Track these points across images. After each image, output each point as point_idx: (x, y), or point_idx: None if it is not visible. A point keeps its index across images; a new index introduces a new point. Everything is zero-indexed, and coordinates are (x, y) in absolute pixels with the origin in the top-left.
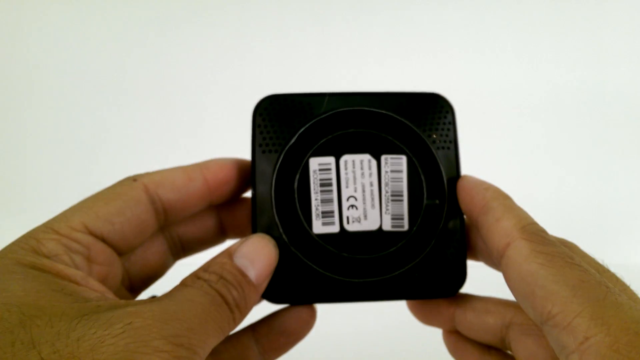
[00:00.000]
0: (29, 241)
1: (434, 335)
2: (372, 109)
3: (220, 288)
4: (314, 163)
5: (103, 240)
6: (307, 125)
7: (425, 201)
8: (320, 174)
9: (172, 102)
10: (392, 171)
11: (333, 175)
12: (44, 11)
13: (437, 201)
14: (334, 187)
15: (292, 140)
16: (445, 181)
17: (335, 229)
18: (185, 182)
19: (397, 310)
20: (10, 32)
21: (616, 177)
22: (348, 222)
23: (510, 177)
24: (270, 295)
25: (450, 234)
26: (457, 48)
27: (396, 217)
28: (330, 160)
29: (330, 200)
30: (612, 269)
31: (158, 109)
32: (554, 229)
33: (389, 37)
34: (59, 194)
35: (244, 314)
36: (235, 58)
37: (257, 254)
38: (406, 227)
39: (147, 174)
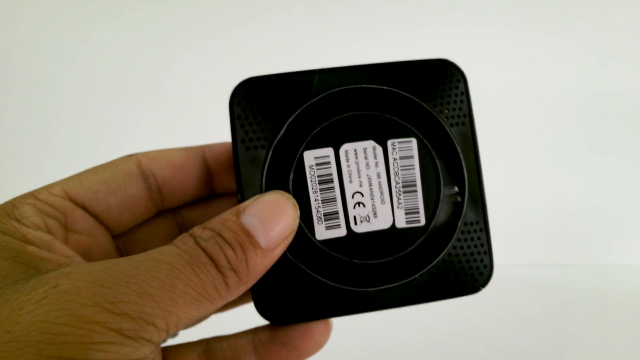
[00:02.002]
0: (6, 205)
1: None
2: (371, 86)
3: (209, 247)
4: (309, 157)
5: (85, 208)
6: (296, 113)
7: (442, 190)
8: (317, 169)
9: (166, 97)
10: (401, 158)
11: (333, 170)
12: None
13: (456, 188)
14: (336, 184)
15: (281, 133)
16: (463, 164)
17: (341, 232)
18: (182, 159)
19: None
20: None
21: (616, 178)
22: (356, 223)
23: (510, 177)
24: (271, 314)
25: (473, 224)
26: (457, 48)
27: (410, 211)
28: (328, 151)
29: (333, 199)
30: (612, 269)
31: (145, 101)
32: (554, 229)
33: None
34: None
35: (244, 279)
36: (216, 37)
37: (270, 214)
38: (423, 222)
39: (147, 152)
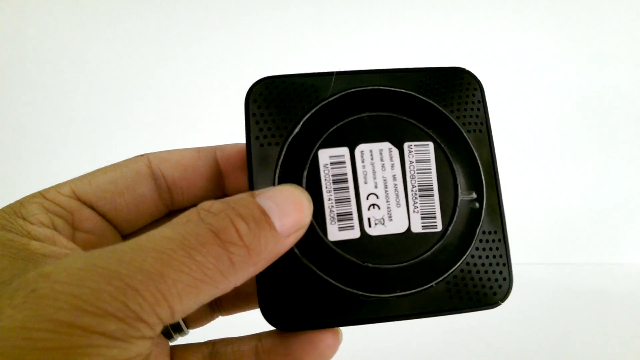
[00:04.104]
0: (14, 205)
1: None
2: (388, 88)
3: (218, 221)
4: (324, 156)
5: (92, 208)
6: (312, 111)
7: (460, 195)
8: (332, 168)
9: (173, 96)
10: (417, 161)
11: (348, 170)
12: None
13: (474, 194)
14: (350, 184)
15: (296, 130)
16: (481, 170)
17: (355, 234)
18: (193, 160)
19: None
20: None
21: (616, 178)
22: (370, 225)
23: (510, 177)
24: (276, 319)
25: (491, 233)
26: (458, 48)
27: (427, 216)
28: (344, 151)
29: (347, 200)
30: (612, 269)
31: (154, 101)
32: (554, 228)
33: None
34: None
35: (254, 258)
36: (231, 37)
37: (285, 201)
38: (439, 228)
39: (157, 152)
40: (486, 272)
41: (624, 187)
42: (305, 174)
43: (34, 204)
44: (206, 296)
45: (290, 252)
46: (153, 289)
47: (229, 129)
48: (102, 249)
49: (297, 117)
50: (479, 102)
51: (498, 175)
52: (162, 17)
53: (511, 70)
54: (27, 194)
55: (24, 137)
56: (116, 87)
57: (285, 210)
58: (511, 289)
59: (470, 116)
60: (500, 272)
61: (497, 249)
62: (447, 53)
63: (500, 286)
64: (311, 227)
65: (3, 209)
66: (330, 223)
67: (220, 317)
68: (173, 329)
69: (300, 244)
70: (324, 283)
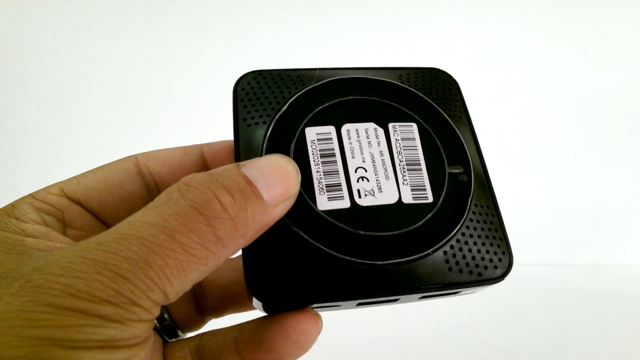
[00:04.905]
0: (6, 207)
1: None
2: (371, 77)
3: (198, 195)
4: (311, 133)
5: (81, 205)
6: (299, 93)
7: (447, 169)
8: (319, 144)
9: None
10: (402, 139)
11: (335, 145)
12: None
13: (462, 168)
14: (338, 158)
15: (283, 109)
16: (466, 147)
17: (345, 204)
18: (179, 157)
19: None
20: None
21: (616, 177)
22: (360, 196)
23: (510, 177)
24: (263, 292)
25: (484, 207)
26: (454, 47)
27: (417, 188)
28: (330, 129)
29: (335, 172)
30: (612, 269)
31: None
32: (554, 228)
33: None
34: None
35: (241, 230)
36: (217, 36)
37: (272, 170)
38: (430, 199)
39: (146, 152)
40: (483, 244)
41: (624, 187)
42: (292, 147)
43: (25, 204)
44: (198, 274)
45: (279, 224)
46: (142, 276)
47: (219, 131)
48: (88, 241)
49: (284, 100)
50: (456, 95)
51: (482, 155)
52: (156, 19)
53: (511, 70)
54: (18, 196)
55: (14, 140)
56: (108, 89)
57: (272, 179)
58: (512, 264)
59: (449, 104)
60: (499, 246)
61: (491, 222)
62: (447, 53)
63: (500, 260)
64: (300, 197)
65: None
66: (320, 193)
67: (213, 320)
68: (168, 335)
69: (289, 213)
70: (314, 251)
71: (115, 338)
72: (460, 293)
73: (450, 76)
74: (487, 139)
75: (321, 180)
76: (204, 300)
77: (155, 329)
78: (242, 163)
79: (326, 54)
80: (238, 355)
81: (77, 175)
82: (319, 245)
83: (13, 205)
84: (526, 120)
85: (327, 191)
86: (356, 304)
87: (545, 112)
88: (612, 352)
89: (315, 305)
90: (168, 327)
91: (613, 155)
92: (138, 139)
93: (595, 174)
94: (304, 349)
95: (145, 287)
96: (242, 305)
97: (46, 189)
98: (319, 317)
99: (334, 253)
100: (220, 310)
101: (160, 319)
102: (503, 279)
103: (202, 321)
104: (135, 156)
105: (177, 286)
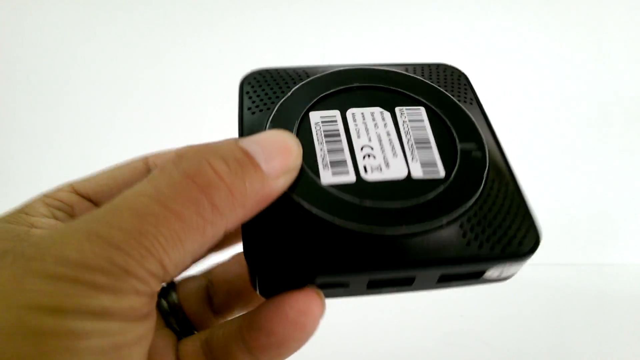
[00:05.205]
0: (17, 207)
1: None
2: (378, 68)
3: (191, 165)
4: (315, 116)
5: (91, 200)
6: (303, 82)
7: (459, 146)
8: (323, 125)
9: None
10: (410, 121)
11: (340, 127)
12: None
13: (475, 145)
14: (343, 138)
15: (287, 96)
16: (478, 126)
17: (350, 178)
18: None
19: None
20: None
21: (616, 177)
22: (366, 171)
23: None
24: (262, 266)
25: (502, 184)
26: (455, 48)
27: (427, 164)
28: (335, 112)
29: (340, 150)
30: (612, 268)
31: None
32: (554, 228)
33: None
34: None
35: (239, 199)
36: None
37: (271, 144)
38: (442, 174)
39: (158, 151)
40: (504, 219)
41: (625, 187)
42: (295, 130)
43: (37, 201)
44: (196, 245)
45: (280, 198)
46: (135, 245)
47: (225, 128)
48: (83, 216)
49: (289, 89)
50: (465, 85)
51: (497, 137)
52: (158, 17)
53: (511, 70)
54: (17, 197)
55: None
56: (108, 89)
57: (271, 151)
58: (540, 240)
59: (459, 91)
60: (522, 221)
61: (512, 199)
62: (447, 54)
63: (525, 236)
64: (303, 172)
65: (7, 212)
66: (324, 169)
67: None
68: (184, 333)
69: (290, 187)
70: (316, 221)
71: (109, 307)
72: (485, 278)
73: (459, 70)
74: None
75: (325, 157)
76: (214, 298)
77: (170, 326)
78: (240, 138)
79: (330, 53)
80: (243, 344)
81: (89, 175)
82: (321, 215)
83: (24, 205)
84: (526, 120)
85: (331, 167)
86: (366, 284)
87: (545, 112)
88: (612, 352)
89: (320, 279)
90: (183, 323)
91: (613, 155)
92: (144, 140)
93: (595, 174)
94: (305, 330)
95: (139, 256)
96: (249, 301)
97: (57, 187)
98: (320, 295)
99: (337, 223)
100: (228, 308)
101: (175, 315)
102: (531, 256)
103: (215, 322)
104: (146, 155)
105: (175, 257)
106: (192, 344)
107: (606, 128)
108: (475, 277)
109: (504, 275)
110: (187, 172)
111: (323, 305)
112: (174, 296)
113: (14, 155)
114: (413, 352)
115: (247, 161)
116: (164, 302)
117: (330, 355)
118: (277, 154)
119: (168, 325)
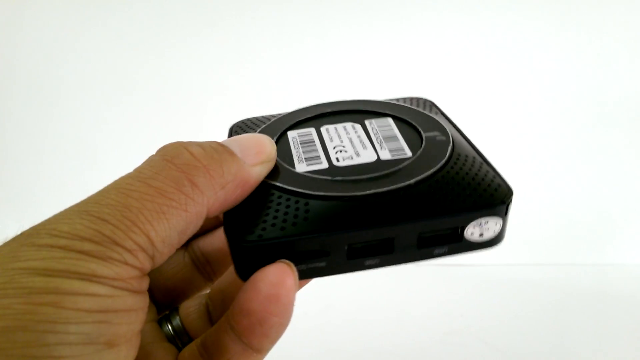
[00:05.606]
0: None
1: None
2: (350, 100)
3: (170, 150)
4: (292, 134)
5: None
6: (281, 115)
7: (424, 134)
8: (300, 137)
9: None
10: (379, 127)
11: (315, 137)
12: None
13: (439, 132)
14: (317, 143)
15: (266, 124)
16: (441, 123)
17: (323, 165)
18: None
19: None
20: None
21: (616, 177)
22: (338, 161)
23: (509, 177)
24: (237, 235)
25: (468, 157)
26: (452, 47)
27: (395, 150)
28: (310, 129)
29: (315, 150)
30: (612, 269)
31: (155, 110)
32: (554, 228)
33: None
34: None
35: (217, 179)
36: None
37: (247, 139)
38: (409, 154)
39: None
40: (473, 179)
41: (624, 187)
42: (274, 140)
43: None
44: (180, 220)
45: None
46: (121, 217)
47: (224, 132)
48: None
49: (269, 121)
50: (432, 106)
51: (466, 135)
52: (158, 17)
53: (511, 70)
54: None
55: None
56: (109, 89)
57: (247, 145)
58: (512, 192)
59: (425, 108)
60: (492, 181)
61: (480, 165)
62: (447, 54)
63: (496, 190)
64: (279, 166)
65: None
66: (299, 163)
67: None
68: (183, 344)
69: (267, 176)
70: (290, 193)
71: (97, 272)
72: (468, 241)
73: (427, 99)
74: (487, 139)
75: (300, 156)
76: (212, 311)
77: (170, 340)
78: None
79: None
80: (232, 331)
81: None
82: (295, 188)
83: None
84: (525, 120)
85: (305, 161)
86: (345, 252)
87: (544, 112)
88: (612, 352)
89: (298, 246)
90: (181, 334)
91: (613, 155)
92: (144, 140)
93: (595, 174)
94: (280, 302)
95: (126, 227)
96: None
97: None
98: (289, 265)
99: (309, 192)
100: (223, 314)
101: (180, 339)
102: (504, 206)
103: None
104: None
105: (161, 231)
106: (189, 349)
107: (606, 128)
108: (457, 239)
109: (486, 235)
110: (166, 156)
111: (295, 276)
112: (177, 319)
113: (14, 155)
114: (413, 351)
115: (223, 149)
116: (168, 326)
117: (330, 355)
118: (252, 147)
119: (171, 342)
